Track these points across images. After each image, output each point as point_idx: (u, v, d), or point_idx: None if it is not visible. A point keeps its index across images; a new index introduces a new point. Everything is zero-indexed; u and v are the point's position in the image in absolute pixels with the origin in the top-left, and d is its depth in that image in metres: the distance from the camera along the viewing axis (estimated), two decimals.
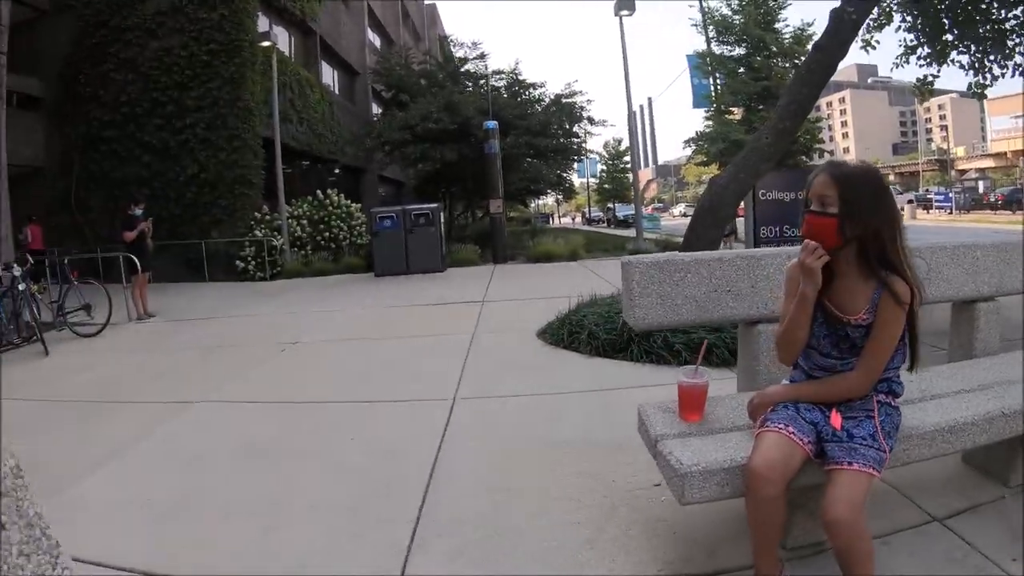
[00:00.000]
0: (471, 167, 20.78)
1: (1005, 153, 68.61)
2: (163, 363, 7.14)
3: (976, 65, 8.17)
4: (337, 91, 27.02)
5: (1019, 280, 3.75)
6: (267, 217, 17.15)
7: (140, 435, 4.50)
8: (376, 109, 30.51)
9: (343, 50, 27.10)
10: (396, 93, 25.42)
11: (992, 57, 8.03)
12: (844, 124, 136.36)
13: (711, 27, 27.66)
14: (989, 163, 74.53)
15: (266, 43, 17.33)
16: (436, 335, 7.44)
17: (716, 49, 27.98)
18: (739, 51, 27.70)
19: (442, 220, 16.61)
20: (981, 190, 50.92)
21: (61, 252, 12.98)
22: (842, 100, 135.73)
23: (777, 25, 27.12)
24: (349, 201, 19.33)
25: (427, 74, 25.57)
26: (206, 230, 16.95)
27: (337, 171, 25.20)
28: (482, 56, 26.35)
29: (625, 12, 20.20)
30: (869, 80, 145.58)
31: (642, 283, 2.92)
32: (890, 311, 2.08)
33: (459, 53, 27.02)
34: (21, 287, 9.01)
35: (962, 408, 2.51)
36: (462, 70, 25.94)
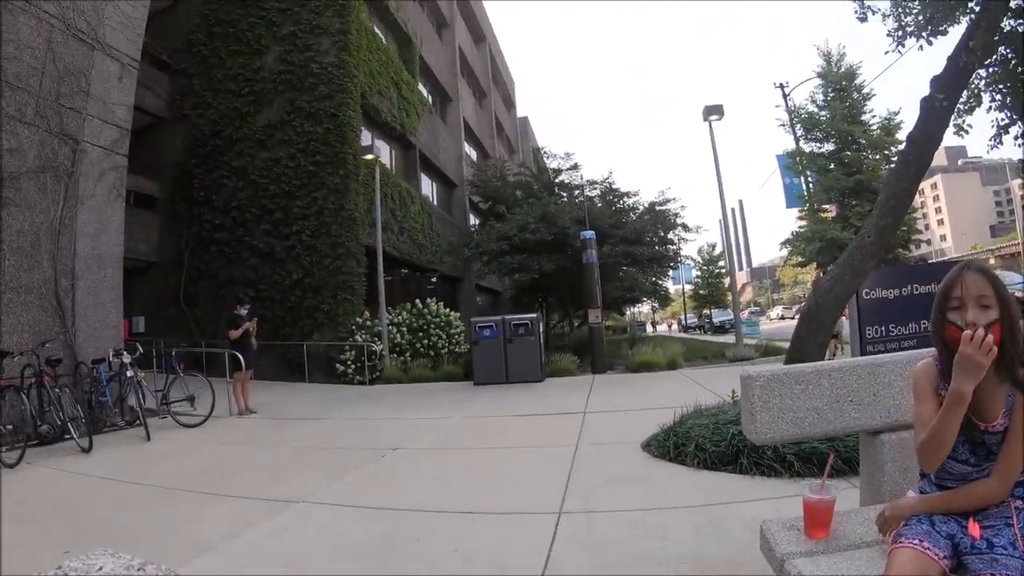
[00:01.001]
0: (568, 276, 20.94)
1: None
2: (262, 459, 7.26)
3: None
4: (436, 202, 27.88)
5: None
6: (368, 323, 17.44)
7: (236, 530, 4.53)
8: (473, 219, 31.33)
9: (441, 163, 28.11)
10: (493, 204, 26.20)
11: None
12: (938, 211, 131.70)
13: (798, 125, 27.66)
14: None
15: (369, 156, 18.10)
16: (538, 446, 7.32)
17: (805, 147, 28.05)
18: (828, 147, 27.70)
19: (540, 330, 16.58)
20: None
21: (168, 344, 13.48)
22: (934, 186, 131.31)
23: (864, 117, 27.08)
24: (448, 310, 19.57)
25: (522, 185, 26.25)
26: (308, 333, 17.38)
27: (435, 279, 25.75)
28: (575, 167, 26.86)
29: (714, 117, 20.35)
30: (959, 162, 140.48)
31: (763, 397, 2.84)
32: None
33: (552, 164, 27.59)
34: (129, 373, 9.47)
35: None
36: (556, 181, 26.44)
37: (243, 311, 11.60)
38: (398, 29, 24.73)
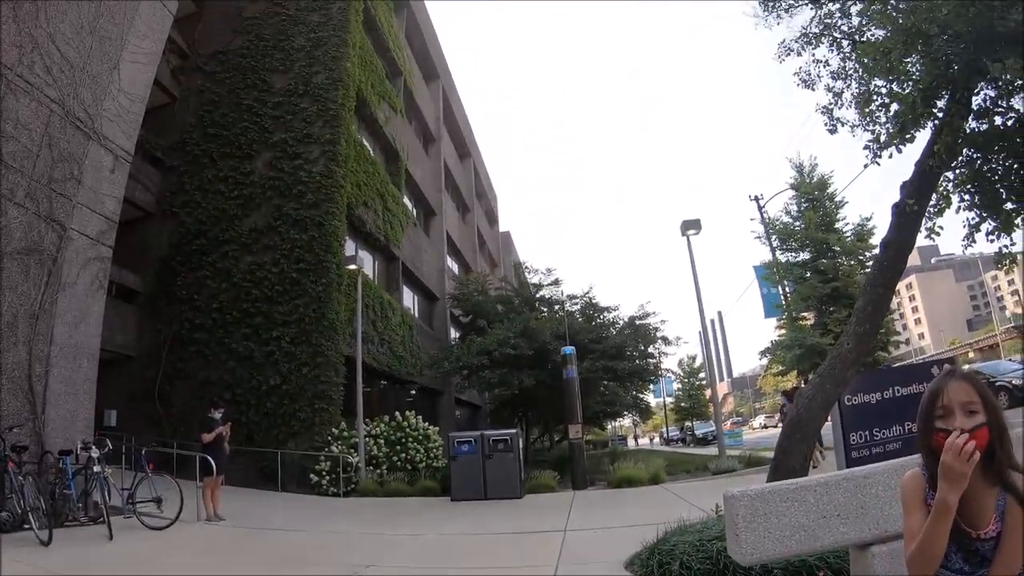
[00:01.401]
0: (548, 391, 20.87)
1: None
2: (228, 572, 6.94)
3: None
4: (417, 314, 27.98)
5: None
6: (344, 433, 17.14)
7: None
8: (454, 333, 31.36)
9: (423, 275, 28.40)
10: (474, 318, 26.41)
11: None
12: (915, 310, 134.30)
13: (774, 236, 28.27)
14: None
15: (352, 266, 18.24)
16: (519, 567, 7.08)
17: (781, 257, 28.45)
18: (804, 256, 28.07)
19: (520, 446, 16.32)
20: None
21: (139, 441, 13.23)
22: (909, 286, 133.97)
23: (837, 225, 27.59)
24: (427, 424, 19.33)
25: (503, 300, 26.50)
26: (283, 440, 17.00)
27: (414, 392, 25.57)
28: (556, 282, 27.37)
29: (692, 231, 20.77)
30: (932, 260, 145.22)
31: (747, 516, 2.80)
32: (1020, 516, 1.95)
33: (534, 279, 28.05)
34: (96, 468, 9.23)
35: None
36: (537, 296, 26.80)
37: (217, 414, 11.43)
38: (386, 142, 25.43)
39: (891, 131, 7.43)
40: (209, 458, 10.78)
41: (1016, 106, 7.57)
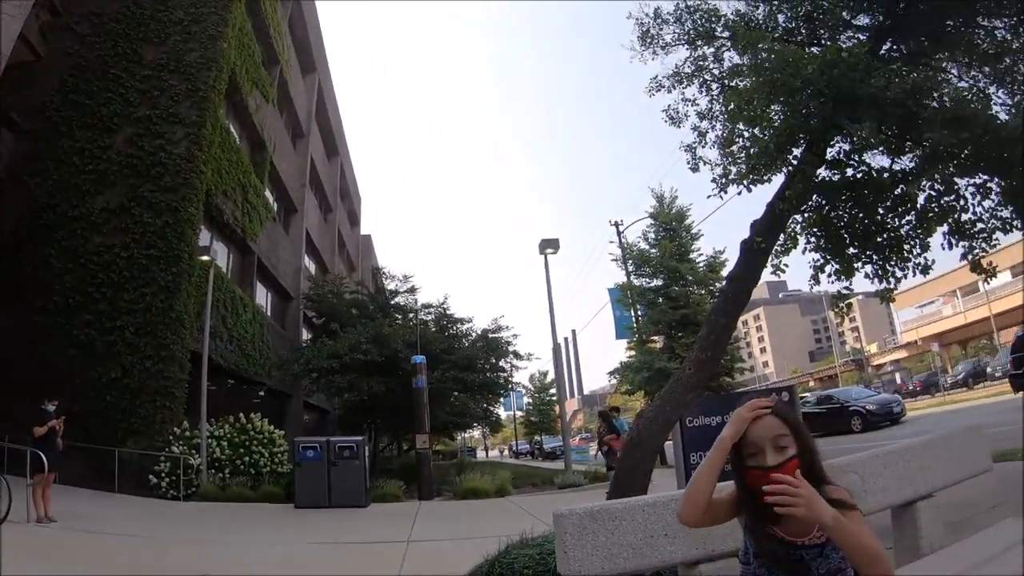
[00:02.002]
0: (398, 399, 20.62)
1: (916, 341, 72.39)
2: None
3: (880, 272, 8.70)
4: (270, 312, 27.22)
5: (954, 470, 3.92)
6: (187, 434, 16.41)
7: None
8: (306, 335, 30.64)
9: (279, 273, 27.64)
10: (327, 321, 25.84)
11: (892, 262, 8.58)
12: (761, 339, 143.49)
13: (630, 261, 29.38)
14: (902, 354, 77.36)
15: (205, 257, 17.56)
16: None
17: (636, 281, 29.59)
18: (657, 282, 29.35)
19: (366, 453, 16.15)
20: (899, 381, 54.49)
21: None
22: (757, 317, 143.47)
23: (691, 256, 29.06)
24: (272, 427, 18.75)
25: (358, 304, 26.13)
26: (122, 438, 16.00)
27: (263, 394, 24.75)
28: (412, 290, 27.16)
29: (550, 250, 21.23)
30: (780, 295, 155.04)
31: (575, 534, 2.85)
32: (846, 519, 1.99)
33: (391, 285, 27.76)
34: None
35: None
36: (392, 302, 26.57)
37: (51, 407, 10.80)
38: (253, 131, 24.68)
39: (741, 171, 7.89)
40: (40, 453, 10.17)
41: (868, 161, 8.24)
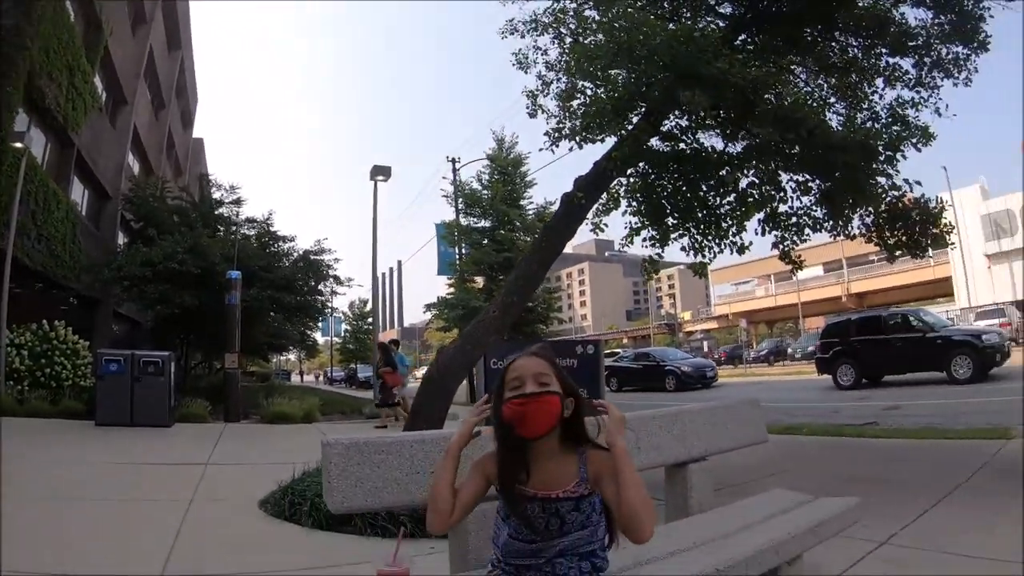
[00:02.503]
0: (212, 315, 19.73)
1: (727, 315, 79.51)
2: None
3: (695, 246, 9.35)
4: (85, 212, 25.03)
5: (730, 438, 4.28)
6: None
7: None
8: (123, 239, 28.48)
9: (99, 170, 25.28)
10: (145, 226, 24.14)
11: (710, 238, 9.24)
12: (583, 293, 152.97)
13: (461, 200, 29.92)
14: (713, 324, 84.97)
15: (19, 144, 15.91)
16: (150, 500, 6.83)
17: (464, 220, 30.26)
18: (485, 223, 29.94)
19: (173, 370, 15.34)
20: (706, 348, 59.04)
21: None
22: (581, 272, 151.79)
23: (522, 202, 29.80)
24: (77, 337, 17.50)
25: (180, 211, 24.70)
26: None
27: (73, 300, 22.97)
28: (238, 201, 26.05)
29: (381, 178, 21.01)
30: (606, 253, 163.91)
31: (340, 465, 2.81)
32: (617, 454, 2.12)
33: (217, 194, 26.39)
34: None
35: (676, 568, 2.59)
36: (216, 212, 25.31)
37: None
38: (90, 8, 22.13)
39: (577, 128, 8.17)
40: None
41: (702, 140, 8.70)
